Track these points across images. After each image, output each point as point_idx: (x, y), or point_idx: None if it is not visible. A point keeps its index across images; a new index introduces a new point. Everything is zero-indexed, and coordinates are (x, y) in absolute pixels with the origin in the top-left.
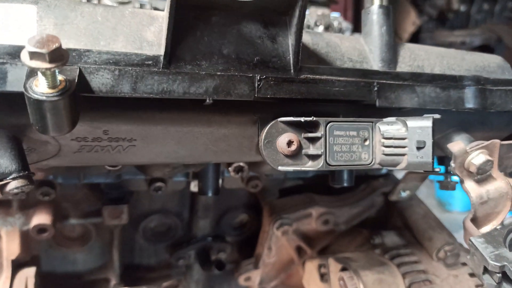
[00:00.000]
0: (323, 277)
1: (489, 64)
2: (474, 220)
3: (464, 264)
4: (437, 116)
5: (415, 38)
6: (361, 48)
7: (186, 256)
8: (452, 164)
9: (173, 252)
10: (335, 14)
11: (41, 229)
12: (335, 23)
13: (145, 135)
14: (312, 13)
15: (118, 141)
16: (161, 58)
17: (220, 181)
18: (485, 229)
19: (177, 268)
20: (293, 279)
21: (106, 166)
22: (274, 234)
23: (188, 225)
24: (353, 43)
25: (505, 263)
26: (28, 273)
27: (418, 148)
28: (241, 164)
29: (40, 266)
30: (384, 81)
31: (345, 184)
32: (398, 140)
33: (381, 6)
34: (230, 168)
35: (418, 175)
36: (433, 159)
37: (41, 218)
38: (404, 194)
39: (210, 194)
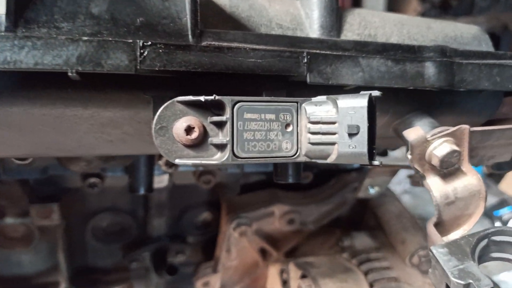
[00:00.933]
0: (285, 284)
1: (461, 34)
2: (439, 225)
3: None
4: (376, 93)
5: None
6: (296, 12)
7: (140, 258)
8: (409, 155)
9: (127, 253)
10: None
11: None
12: None
13: (6, 121)
14: None
15: None
16: (3, 18)
17: (168, 176)
18: (453, 235)
19: (135, 270)
20: (259, 283)
21: (13, 160)
22: (232, 235)
23: (143, 224)
24: (285, 7)
25: (470, 281)
26: None
27: (351, 135)
28: None
29: None
30: (317, 51)
31: (290, 180)
32: (327, 124)
33: None
34: (160, 162)
35: (385, 168)
36: (370, 148)
37: None
38: (373, 190)
39: (141, 191)
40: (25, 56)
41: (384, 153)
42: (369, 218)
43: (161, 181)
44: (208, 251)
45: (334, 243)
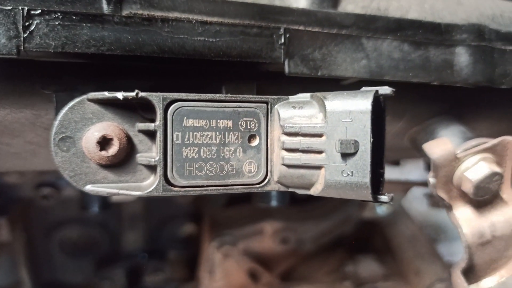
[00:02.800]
0: None
1: (502, 13)
2: (469, 270)
3: None
4: (386, 90)
5: None
6: None
7: (113, 276)
8: (431, 178)
9: (98, 270)
10: None
11: None
12: None
13: None
14: None
15: None
16: None
17: None
18: (486, 283)
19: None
20: None
21: None
22: (215, 254)
23: (116, 237)
24: None
25: None
26: None
27: (345, 156)
28: None
29: None
30: (301, 27)
31: (273, 204)
32: (310, 137)
33: None
34: None
35: (397, 184)
36: (375, 175)
37: None
38: (381, 210)
39: (95, 208)
40: None
41: (395, 162)
42: (377, 240)
43: None
44: (192, 267)
45: (335, 266)
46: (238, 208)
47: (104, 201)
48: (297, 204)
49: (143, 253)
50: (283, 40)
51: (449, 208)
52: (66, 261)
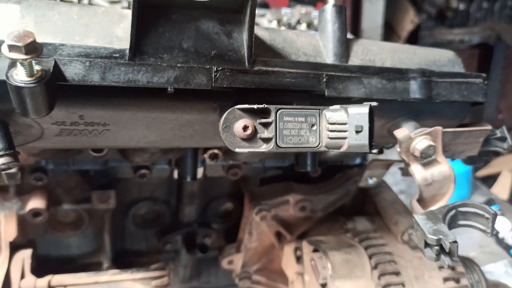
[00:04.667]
0: (299, 259)
1: (440, 58)
2: (421, 201)
3: None
4: (374, 103)
5: (414, 36)
6: (316, 43)
7: (173, 241)
8: (398, 148)
9: (161, 237)
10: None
11: (36, 213)
12: (316, 21)
13: (117, 120)
14: (296, 12)
15: (94, 126)
16: (127, 51)
17: (202, 169)
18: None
19: (166, 253)
20: (275, 264)
21: (91, 152)
22: (254, 219)
23: (175, 212)
24: (309, 39)
25: (441, 237)
26: (25, 255)
27: (357, 132)
28: (215, 151)
29: (36, 250)
30: (333, 73)
31: (309, 169)
32: (340, 125)
33: (334, 5)
34: (205, 155)
35: (382, 162)
36: (370, 141)
37: (36, 203)
38: (371, 181)
39: (188, 179)
40: (141, 77)
41: (380, 151)
42: (369, 206)
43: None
44: (228, 238)
45: (338, 228)
46: (269, 186)
47: (194, 174)
48: (312, 183)
49: (195, 223)
50: (324, 80)
51: (408, 165)
52: (135, 232)
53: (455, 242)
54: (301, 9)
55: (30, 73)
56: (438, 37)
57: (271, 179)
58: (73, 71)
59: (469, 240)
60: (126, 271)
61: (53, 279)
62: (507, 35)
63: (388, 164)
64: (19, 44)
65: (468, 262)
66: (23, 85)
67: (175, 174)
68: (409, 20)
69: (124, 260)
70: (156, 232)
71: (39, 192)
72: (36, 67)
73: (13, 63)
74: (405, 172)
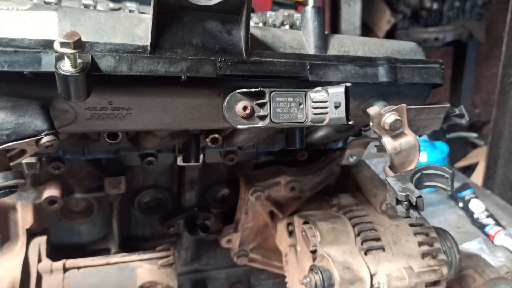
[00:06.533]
0: (291, 234)
1: (403, 48)
2: (392, 167)
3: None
4: (348, 84)
5: (391, 36)
6: (299, 38)
7: (176, 224)
8: (371, 123)
9: (164, 222)
10: (299, 15)
11: (51, 200)
12: (298, 22)
13: (139, 105)
14: (280, 15)
15: (119, 110)
16: (148, 47)
17: (202, 156)
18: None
19: (169, 237)
20: (269, 242)
21: (106, 140)
22: (249, 200)
23: (177, 198)
24: (293, 35)
25: (409, 193)
26: (41, 241)
27: (336, 107)
28: (216, 135)
29: (49, 237)
30: (314, 62)
31: (297, 146)
32: (322, 102)
33: (313, 6)
34: (207, 139)
35: (360, 141)
36: (347, 114)
37: (51, 191)
38: (352, 159)
39: (192, 162)
40: (160, 67)
41: (358, 134)
42: (351, 184)
43: None
44: (225, 222)
45: (326, 206)
46: (262, 170)
47: (197, 158)
48: (300, 165)
49: (195, 207)
50: (308, 67)
51: (380, 137)
52: (140, 218)
53: (421, 197)
54: (284, 12)
55: (74, 65)
56: (414, 35)
57: (263, 164)
58: (106, 64)
59: (445, 222)
60: (134, 253)
61: (68, 261)
62: (478, 32)
63: (366, 142)
64: (69, 41)
65: (441, 232)
66: (69, 74)
67: (179, 161)
68: (386, 21)
69: (130, 245)
70: (160, 217)
71: (53, 182)
72: (79, 60)
73: (59, 57)
74: (380, 148)
